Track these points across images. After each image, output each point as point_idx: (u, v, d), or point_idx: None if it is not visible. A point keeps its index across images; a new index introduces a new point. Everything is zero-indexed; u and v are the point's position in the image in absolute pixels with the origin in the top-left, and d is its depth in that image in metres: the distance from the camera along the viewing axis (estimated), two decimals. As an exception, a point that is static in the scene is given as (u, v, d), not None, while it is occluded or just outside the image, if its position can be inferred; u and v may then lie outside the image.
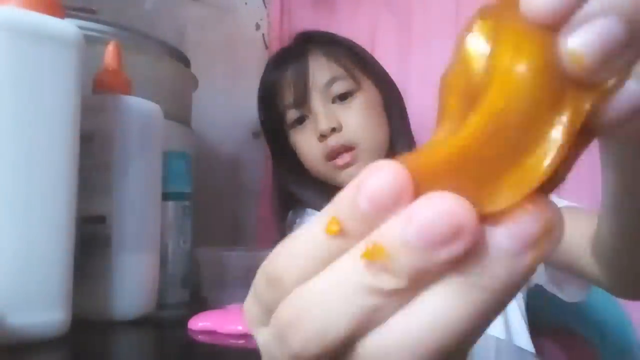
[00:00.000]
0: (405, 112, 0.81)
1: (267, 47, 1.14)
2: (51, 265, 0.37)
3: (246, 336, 0.40)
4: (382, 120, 0.76)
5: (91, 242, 0.44)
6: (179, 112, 0.74)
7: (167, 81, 0.71)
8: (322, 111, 0.73)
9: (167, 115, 0.51)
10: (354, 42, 0.82)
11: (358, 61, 0.77)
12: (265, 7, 1.14)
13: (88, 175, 0.43)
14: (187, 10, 1.07)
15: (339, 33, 1.10)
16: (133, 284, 0.46)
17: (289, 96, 0.76)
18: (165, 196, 0.51)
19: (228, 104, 1.09)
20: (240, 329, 0.40)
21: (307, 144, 0.75)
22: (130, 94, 0.48)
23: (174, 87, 0.74)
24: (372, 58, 0.82)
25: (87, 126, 0.41)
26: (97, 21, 0.62)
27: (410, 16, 1.01)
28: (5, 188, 0.36)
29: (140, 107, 0.47)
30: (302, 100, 0.74)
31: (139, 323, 0.46)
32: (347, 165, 0.72)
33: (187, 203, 0.56)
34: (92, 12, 0.65)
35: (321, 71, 0.74)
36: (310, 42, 0.79)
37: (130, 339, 0.44)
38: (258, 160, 1.11)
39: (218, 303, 0.49)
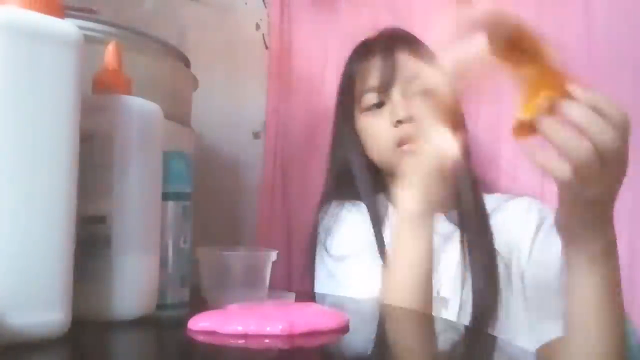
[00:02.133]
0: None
1: (267, 47, 1.14)
2: (51, 265, 0.37)
3: (246, 336, 0.40)
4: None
5: (91, 242, 0.44)
6: (179, 112, 0.74)
7: (167, 81, 0.71)
8: (402, 100, 0.77)
9: (167, 115, 0.51)
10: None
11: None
12: (265, 7, 1.14)
13: (88, 175, 0.43)
14: (187, 10, 1.07)
15: (339, 33, 1.11)
16: (133, 284, 0.46)
17: (372, 80, 0.79)
18: (165, 196, 0.51)
19: (228, 104, 1.10)
20: (240, 329, 0.40)
21: (380, 128, 0.79)
22: (130, 94, 0.48)
23: (174, 87, 0.74)
24: None
25: (87, 126, 0.41)
26: (97, 21, 0.62)
27: (410, 16, 1.01)
28: (5, 188, 0.36)
29: (140, 107, 0.47)
30: (388, 85, 0.78)
31: (139, 323, 0.46)
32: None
33: (187, 203, 0.56)
34: (92, 12, 0.65)
35: (407, 66, 0.78)
36: (395, 39, 0.82)
37: (130, 339, 0.44)
38: (258, 160, 1.11)
39: (218, 303, 0.49)
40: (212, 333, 0.41)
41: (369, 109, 0.80)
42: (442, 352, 0.45)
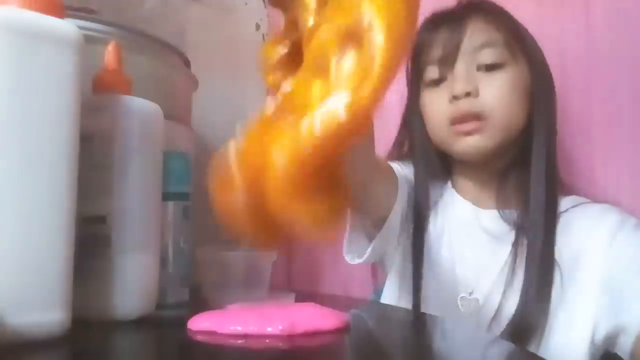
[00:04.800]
0: (553, 102, 0.75)
1: (267, 47, 1.14)
2: (51, 265, 0.37)
3: (246, 336, 0.40)
4: (522, 104, 0.71)
5: (91, 242, 0.44)
6: (179, 112, 0.74)
7: (167, 81, 0.71)
8: (462, 74, 0.69)
9: (167, 115, 0.51)
10: (516, 20, 0.76)
11: (518, 35, 0.72)
12: (265, 7, 1.14)
13: (88, 175, 0.43)
14: (187, 10, 1.07)
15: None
16: (133, 284, 0.46)
17: (435, 53, 0.72)
18: (165, 196, 0.51)
19: (228, 104, 1.09)
20: (240, 329, 0.40)
21: (437, 105, 0.72)
22: (130, 94, 0.48)
23: (174, 87, 0.74)
24: (532, 38, 0.76)
25: (87, 126, 0.41)
26: (97, 21, 0.62)
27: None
28: (5, 188, 0.36)
29: (140, 107, 0.47)
30: (449, 60, 0.71)
31: (139, 323, 0.46)
32: (470, 132, 0.69)
33: (187, 203, 0.56)
34: (92, 12, 0.65)
35: (476, 34, 0.71)
36: (469, 8, 0.74)
37: (130, 339, 0.44)
38: (258, 160, 1.11)
39: (218, 303, 0.49)
40: (212, 333, 0.41)
41: (430, 84, 0.73)
42: (443, 352, 0.45)
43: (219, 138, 1.07)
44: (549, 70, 0.77)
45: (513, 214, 0.71)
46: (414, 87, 0.78)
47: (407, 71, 0.80)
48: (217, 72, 1.08)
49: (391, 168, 0.71)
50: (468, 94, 0.68)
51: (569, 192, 0.75)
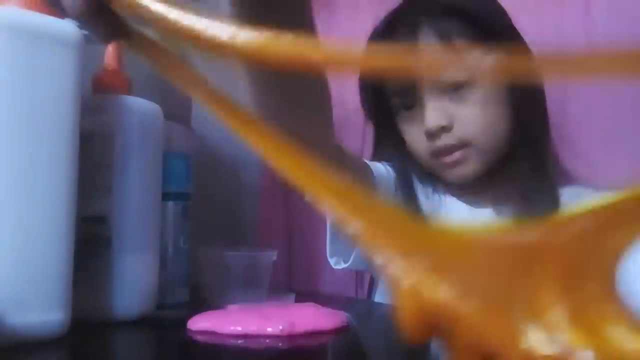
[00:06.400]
0: (539, 94, 0.65)
1: (267, 47, 1.13)
2: (51, 265, 0.37)
3: (246, 336, 0.40)
4: (503, 112, 0.62)
5: (91, 242, 0.44)
6: (179, 112, 0.74)
7: (167, 81, 0.71)
8: (430, 105, 0.61)
9: (167, 115, 0.51)
10: (484, 5, 0.65)
11: (481, 35, 0.60)
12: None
13: (88, 175, 0.43)
14: (186, 10, 1.07)
15: (338, 33, 1.11)
16: (133, 284, 0.46)
17: (393, 81, 0.63)
18: (165, 196, 0.51)
19: (228, 104, 1.09)
20: (240, 329, 0.40)
21: (414, 136, 0.64)
22: (130, 94, 0.48)
23: (174, 87, 0.74)
24: (507, 25, 0.65)
25: (87, 126, 0.41)
26: (97, 21, 0.61)
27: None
28: (4, 188, 0.36)
29: (140, 107, 0.47)
30: (408, 90, 0.62)
31: (139, 323, 0.46)
32: (456, 164, 0.62)
33: (187, 203, 0.56)
34: (92, 12, 0.65)
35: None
36: (421, 12, 0.63)
37: (130, 339, 0.44)
38: (258, 160, 1.11)
39: (218, 303, 0.49)
40: (212, 333, 0.41)
41: (398, 111, 0.66)
42: (443, 352, 0.45)
43: (219, 138, 1.07)
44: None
45: (509, 210, 0.67)
46: (380, 112, 0.70)
47: (363, 95, 0.71)
48: (217, 72, 1.08)
49: (367, 166, 0.66)
50: (443, 128, 0.60)
51: (568, 181, 0.69)
